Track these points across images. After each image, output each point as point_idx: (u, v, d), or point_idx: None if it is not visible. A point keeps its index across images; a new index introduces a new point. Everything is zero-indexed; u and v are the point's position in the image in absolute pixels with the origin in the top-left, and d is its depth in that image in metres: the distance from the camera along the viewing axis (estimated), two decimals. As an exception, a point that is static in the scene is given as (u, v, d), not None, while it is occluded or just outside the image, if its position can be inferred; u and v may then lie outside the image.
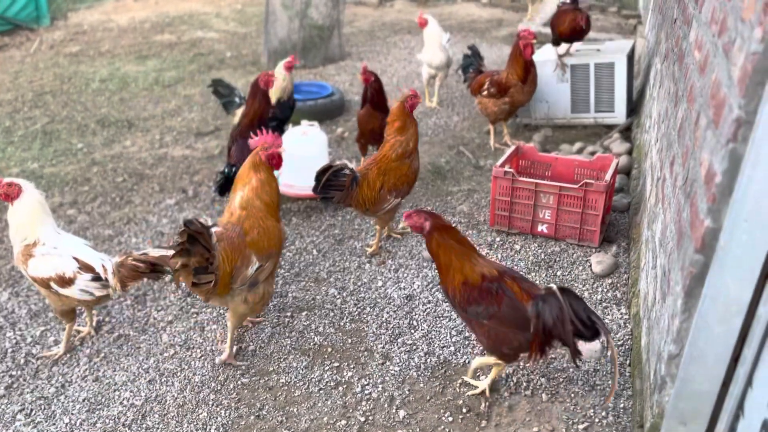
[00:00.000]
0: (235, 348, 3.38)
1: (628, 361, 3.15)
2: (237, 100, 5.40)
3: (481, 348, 3.29)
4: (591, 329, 2.62)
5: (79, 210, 4.99)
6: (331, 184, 3.87)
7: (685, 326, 2.12)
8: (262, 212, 3.17)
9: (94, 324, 3.59)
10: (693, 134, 2.44)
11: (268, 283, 3.24)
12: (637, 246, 3.86)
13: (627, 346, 3.24)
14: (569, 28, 5.80)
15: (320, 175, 3.86)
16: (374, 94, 5.05)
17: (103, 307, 3.78)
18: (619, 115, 5.90)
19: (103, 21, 11.29)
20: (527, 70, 5.39)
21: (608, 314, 3.51)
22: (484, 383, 3.01)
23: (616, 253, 4.06)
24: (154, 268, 3.24)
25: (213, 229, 2.95)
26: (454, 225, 4.49)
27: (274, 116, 5.14)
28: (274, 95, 5.16)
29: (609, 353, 3.12)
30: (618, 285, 3.76)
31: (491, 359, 2.93)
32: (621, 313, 3.50)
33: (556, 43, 5.96)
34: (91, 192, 5.26)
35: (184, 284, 2.95)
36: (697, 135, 2.33)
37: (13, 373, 3.30)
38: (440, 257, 2.85)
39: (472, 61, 6.00)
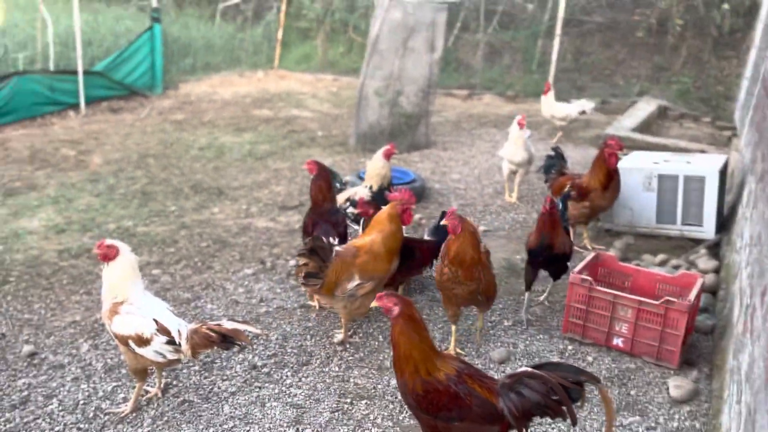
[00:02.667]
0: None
1: (704, 502, 2.91)
2: (337, 185, 5.59)
3: None
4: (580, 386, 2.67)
5: (163, 270, 5.23)
6: None
7: (770, 478, 1.96)
8: (381, 254, 3.97)
9: (162, 386, 3.69)
10: (788, 269, 2.33)
11: (367, 299, 3.93)
12: (721, 374, 3.63)
13: (704, 485, 3.00)
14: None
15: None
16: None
17: (173, 370, 3.89)
18: (707, 230, 5.70)
19: (209, 93, 12.14)
20: (610, 177, 5.35)
21: (685, 445, 3.28)
22: None
23: (696, 378, 3.83)
24: (225, 339, 3.33)
25: (335, 248, 3.94)
26: (523, 326, 4.39)
27: (374, 201, 5.29)
28: (375, 182, 5.35)
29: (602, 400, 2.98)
30: (697, 414, 3.52)
31: None
32: (699, 446, 3.27)
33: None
34: (177, 254, 5.52)
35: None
36: (792, 271, 2.23)
37: (81, 425, 3.41)
38: (400, 346, 2.81)
39: (555, 163, 6.02)
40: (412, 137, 8.87)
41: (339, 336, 4.27)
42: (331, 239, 4.15)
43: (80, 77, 10.11)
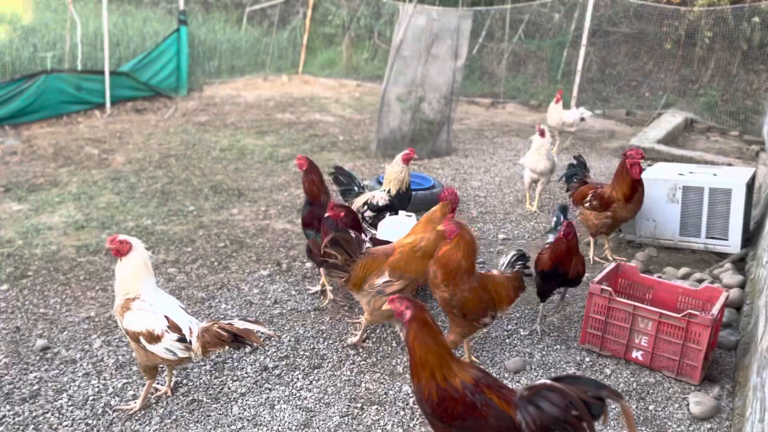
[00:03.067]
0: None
1: None
2: (356, 189, 5.57)
3: None
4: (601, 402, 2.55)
5: (179, 269, 5.23)
6: None
7: (794, 500, 1.86)
8: (417, 255, 3.94)
9: (172, 384, 3.67)
10: (817, 282, 2.23)
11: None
12: (744, 391, 3.51)
13: (724, 506, 2.89)
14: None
15: None
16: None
17: (183, 369, 3.87)
18: (732, 244, 5.55)
19: (232, 96, 12.22)
20: (633, 189, 5.22)
21: (704, 464, 3.17)
22: None
23: (718, 395, 3.71)
24: (236, 339, 3.30)
25: (365, 244, 4.03)
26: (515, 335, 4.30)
27: (392, 205, 5.25)
28: (393, 186, 5.30)
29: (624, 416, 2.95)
30: (718, 432, 3.41)
31: None
32: (719, 466, 3.15)
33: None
34: (194, 253, 5.52)
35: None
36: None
37: (90, 421, 3.39)
38: (416, 351, 2.73)
39: (577, 171, 5.91)
40: (433, 144, 8.82)
41: (353, 338, 4.23)
42: (363, 235, 4.15)
43: (107, 77, 10.25)
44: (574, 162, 6.04)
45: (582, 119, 9.44)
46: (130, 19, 13.39)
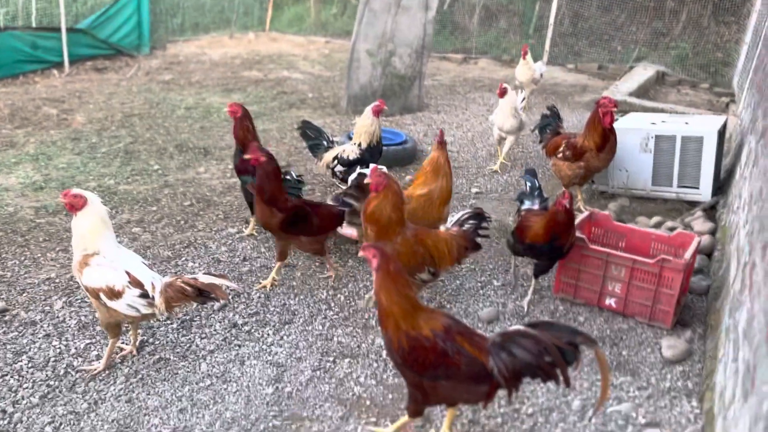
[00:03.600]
0: (271, 388, 3.27)
1: (696, 462, 2.81)
2: (325, 143, 5.40)
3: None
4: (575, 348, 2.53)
5: (144, 229, 5.06)
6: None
7: (770, 433, 1.84)
8: (435, 204, 4.13)
9: (137, 343, 3.55)
10: (793, 216, 2.19)
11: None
12: (715, 334, 3.52)
13: (696, 445, 2.90)
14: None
15: None
16: (264, 180, 3.94)
17: (149, 328, 3.75)
18: (704, 192, 5.55)
19: (197, 54, 11.84)
20: (605, 138, 5.15)
21: (677, 405, 3.17)
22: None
23: (690, 338, 3.72)
24: (201, 294, 3.18)
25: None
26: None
27: (363, 159, 5.11)
28: (364, 140, 5.15)
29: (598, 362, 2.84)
30: (690, 374, 3.42)
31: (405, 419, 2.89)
32: (691, 406, 3.16)
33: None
34: (159, 212, 5.35)
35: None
36: (799, 217, 2.09)
37: (51, 383, 3.27)
38: (382, 301, 2.67)
39: (551, 122, 5.83)
40: (404, 99, 8.65)
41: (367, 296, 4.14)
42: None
43: (63, 34, 9.81)
44: (548, 113, 5.95)
45: (540, 75, 9.08)
46: (86, -27, 12.79)
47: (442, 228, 3.80)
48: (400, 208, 3.56)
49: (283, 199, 3.97)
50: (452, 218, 3.87)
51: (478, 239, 3.84)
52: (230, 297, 4.08)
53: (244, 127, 4.70)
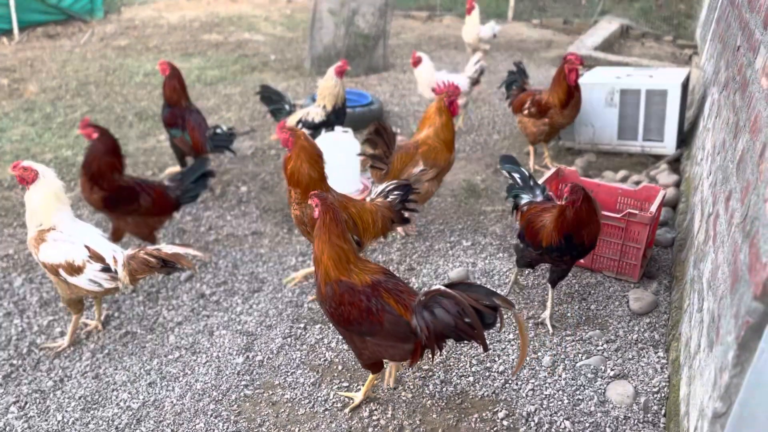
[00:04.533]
0: (249, 356, 3.24)
1: (663, 411, 2.87)
2: (287, 107, 5.28)
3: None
4: (494, 310, 2.48)
5: (104, 200, 4.91)
6: None
7: (735, 382, 1.87)
8: (438, 144, 4.22)
9: (102, 318, 3.47)
10: (756, 167, 2.19)
11: (431, 184, 4.21)
12: (681, 285, 3.57)
13: (663, 394, 2.96)
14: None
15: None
16: (92, 156, 3.79)
17: (114, 302, 3.67)
18: (668, 145, 5.60)
19: (154, 17, 11.42)
20: (570, 95, 5.14)
21: (644, 357, 3.23)
22: (359, 395, 2.94)
23: (656, 290, 3.78)
24: (165, 264, 3.11)
25: (397, 137, 4.22)
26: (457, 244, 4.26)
27: (328, 121, 5.02)
28: (328, 102, 5.05)
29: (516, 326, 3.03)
30: (656, 325, 3.48)
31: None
32: (658, 357, 3.22)
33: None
34: (119, 183, 5.19)
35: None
36: (762, 168, 2.09)
37: (14, 362, 3.19)
38: (315, 249, 2.68)
39: (516, 78, 5.79)
40: (369, 60, 8.49)
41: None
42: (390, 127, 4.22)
43: (11, 0, 9.35)
44: (514, 69, 5.89)
45: (494, 35, 8.52)
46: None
47: (367, 198, 3.66)
48: (319, 163, 3.43)
49: (110, 178, 3.79)
50: (377, 189, 3.69)
51: (407, 212, 3.68)
52: (197, 267, 4.01)
53: (171, 85, 4.91)
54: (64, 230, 3.12)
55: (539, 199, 3.62)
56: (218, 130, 4.89)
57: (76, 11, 10.57)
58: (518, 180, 3.77)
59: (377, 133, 4.12)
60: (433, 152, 4.21)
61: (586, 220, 3.20)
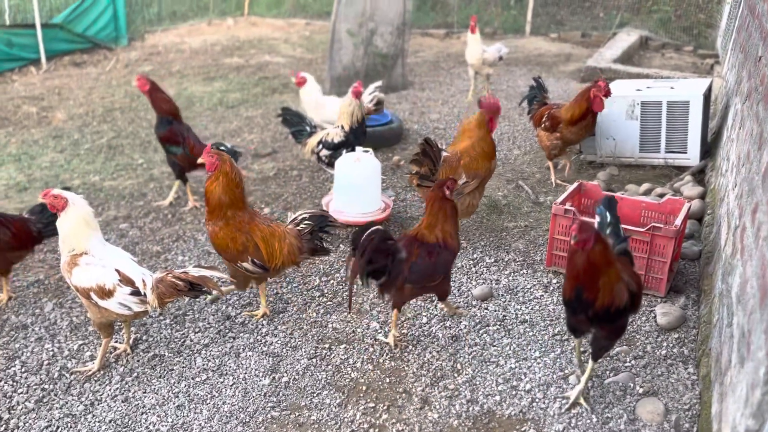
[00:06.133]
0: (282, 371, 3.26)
1: (695, 429, 2.82)
2: (308, 129, 5.34)
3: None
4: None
5: (131, 224, 5.01)
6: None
7: (767, 399, 1.84)
8: (478, 155, 4.33)
9: (130, 341, 3.52)
10: (782, 180, 2.17)
11: (473, 197, 4.36)
12: (709, 299, 3.52)
13: (694, 412, 2.91)
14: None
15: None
16: None
17: (142, 325, 3.72)
18: (691, 156, 5.54)
19: (176, 43, 11.66)
20: (583, 116, 5.16)
21: (673, 373, 3.19)
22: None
23: (684, 305, 3.73)
24: (193, 287, 3.15)
25: (442, 153, 4.31)
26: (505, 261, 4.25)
27: (347, 141, 5.06)
28: (345, 122, 5.10)
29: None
30: (686, 341, 3.43)
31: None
32: (688, 373, 3.17)
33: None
34: (146, 207, 5.29)
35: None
36: (788, 181, 2.07)
37: (46, 386, 3.25)
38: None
39: (537, 93, 5.81)
40: (388, 78, 8.55)
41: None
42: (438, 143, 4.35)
43: (38, 30, 9.63)
44: (534, 84, 5.91)
45: (500, 58, 7.82)
46: (58, -33, 12.52)
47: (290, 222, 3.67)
48: (233, 192, 3.50)
49: None
50: (290, 216, 3.73)
51: (323, 243, 3.70)
52: (223, 289, 4.05)
53: (160, 98, 4.97)
54: (96, 254, 3.19)
55: None
56: (222, 147, 4.86)
57: (102, 39, 10.83)
58: (597, 224, 3.17)
59: (424, 153, 4.22)
60: (474, 162, 4.32)
61: (600, 269, 2.63)
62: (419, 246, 3.26)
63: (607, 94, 5.07)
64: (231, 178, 3.49)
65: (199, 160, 3.55)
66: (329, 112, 5.78)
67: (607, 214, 3.14)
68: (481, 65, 7.76)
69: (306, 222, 3.64)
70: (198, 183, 5.54)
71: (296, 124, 5.39)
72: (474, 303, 3.86)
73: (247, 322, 3.75)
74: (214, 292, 3.27)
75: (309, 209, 3.79)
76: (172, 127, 4.99)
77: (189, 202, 5.27)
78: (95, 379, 3.29)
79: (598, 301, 2.68)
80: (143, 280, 3.17)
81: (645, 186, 5.22)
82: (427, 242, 3.27)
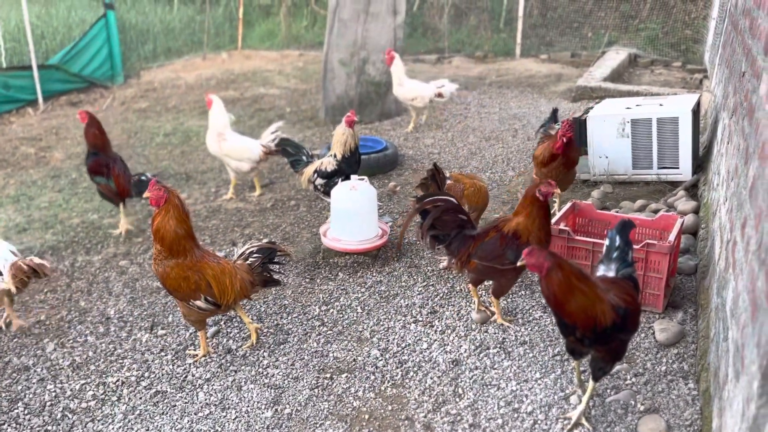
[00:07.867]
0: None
1: (697, 444, 2.83)
2: (305, 158, 5.44)
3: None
4: None
5: (131, 261, 5.04)
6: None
7: (762, 412, 1.86)
8: (483, 189, 4.69)
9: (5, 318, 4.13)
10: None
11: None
12: (706, 313, 3.54)
13: (696, 427, 2.92)
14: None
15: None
16: None
17: (144, 362, 3.73)
18: (684, 171, 5.60)
19: (172, 78, 11.80)
20: (553, 158, 4.96)
21: (674, 389, 3.19)
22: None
23: (682, 320, 3.75)
24: (35, 272, 3.82)
25: (447, 181, 4.53)
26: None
27: (340, 170, 5.12)
28: (338, 151, 5.17)
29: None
30: (685, 356, 3.44)
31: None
32: (689, 388, 3.18)
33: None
34: (145, 243, 5.33)
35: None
36: (771, 195, 2.11)
37: (49, 427, 3.25)
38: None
39: (545, 123, 5.96)
40: (382, 106, 8.66)
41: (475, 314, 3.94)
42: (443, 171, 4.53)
43: (35, 72, 9.77)
44: (550, 113, 6.07)
45: (439, 95, 7.68)
46: (53, 9, 12.75)
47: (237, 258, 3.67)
48: (186, 222, 3.45)
49: None
50: (238, 250, 3.72)
51: (274, 274, 3.72)
52: (221, 322, 4.08)
53: (92, 133, 5.35)
54: None
55: (610, 274, 2.97)
56: (143, 177, 5.24)
57: (98, 78, 10.98)
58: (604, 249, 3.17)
59: (433, 177, 4.39)
60: (476, 194, 4.59)
61: (564, 293, 2.65)
62: (496, 230, 3.62)
63: (568, 135, 4.86)
64: (182, 210, 3.42)
65: (145, 195, 3.48)
66: (216, 146, 6.09)
67: (617, 238, 3.06)
68: (409, 101, 7.78)
69: (255, 255, 3.63)
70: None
71: (294, 154, 5.47)
72: (474, 327, 3.88)
73: (248, 354, 3.76)
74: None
75: (255, 243, 3.73)
76: (98, 158, 5.33)
77: (120, 225, 5.54)
78: (98, 418, 3.30)
79: (579, 323, 2.70)
80: (4, 264, 3.81)
81: (639, 202, 5.27)
82: (502, 230, 3.59)
